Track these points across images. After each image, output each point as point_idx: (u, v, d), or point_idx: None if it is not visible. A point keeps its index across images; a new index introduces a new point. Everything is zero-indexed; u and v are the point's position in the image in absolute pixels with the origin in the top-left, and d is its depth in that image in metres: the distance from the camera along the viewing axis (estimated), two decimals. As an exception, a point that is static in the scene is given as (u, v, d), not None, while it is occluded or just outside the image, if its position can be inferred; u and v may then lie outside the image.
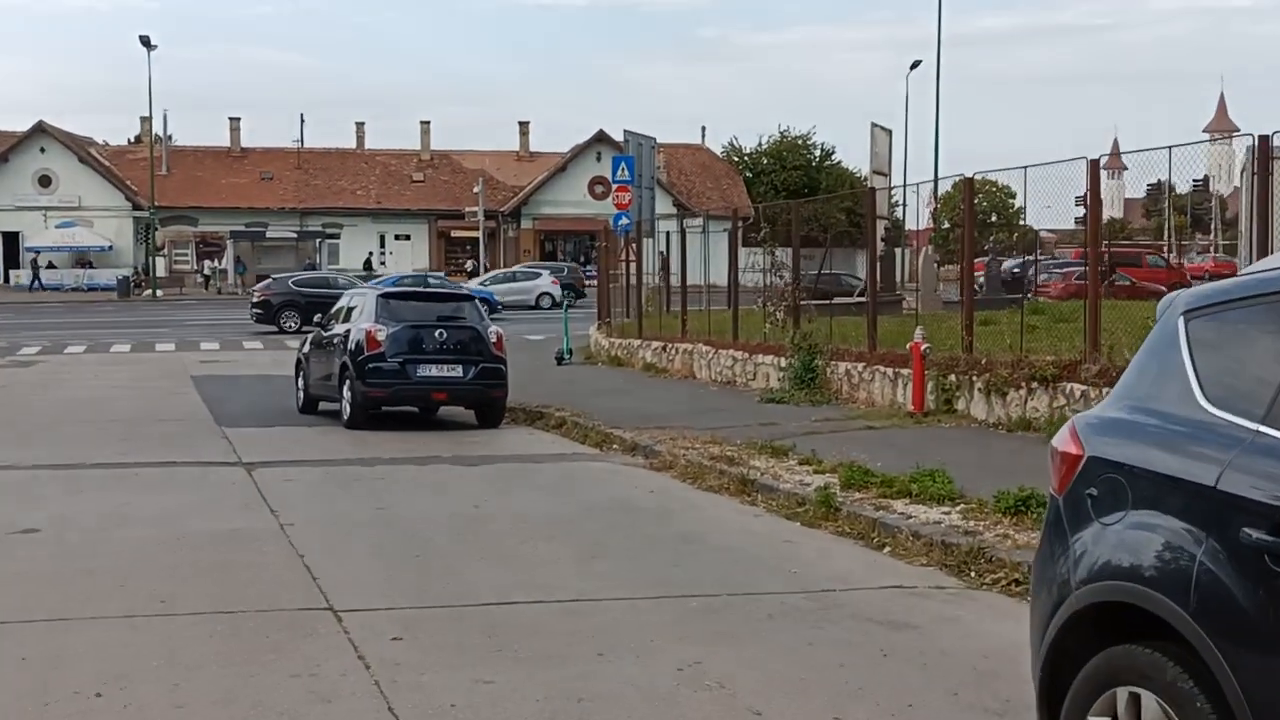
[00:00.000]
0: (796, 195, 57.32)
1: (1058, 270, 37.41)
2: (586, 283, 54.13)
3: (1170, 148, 14.36)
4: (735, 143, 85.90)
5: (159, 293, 65.36)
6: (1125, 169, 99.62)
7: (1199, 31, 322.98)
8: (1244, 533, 3.47)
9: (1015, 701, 5.89)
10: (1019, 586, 8.12)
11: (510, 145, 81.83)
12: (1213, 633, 3.51)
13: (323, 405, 19.24)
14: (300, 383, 19.97)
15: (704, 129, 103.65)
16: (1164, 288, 16.01)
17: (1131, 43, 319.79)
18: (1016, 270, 33.11)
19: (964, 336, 16.77)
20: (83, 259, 71.31)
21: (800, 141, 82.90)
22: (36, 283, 67.18)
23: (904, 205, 52.72)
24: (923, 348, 16.16)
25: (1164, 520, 3.80)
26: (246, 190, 75.06)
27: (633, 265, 28.82)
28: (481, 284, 51.27)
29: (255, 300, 43.16)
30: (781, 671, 6.55)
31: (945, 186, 38.62)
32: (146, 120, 70.39)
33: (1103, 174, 16.29)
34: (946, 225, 40.83)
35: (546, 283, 53.70)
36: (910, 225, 48.79)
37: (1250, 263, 12.81)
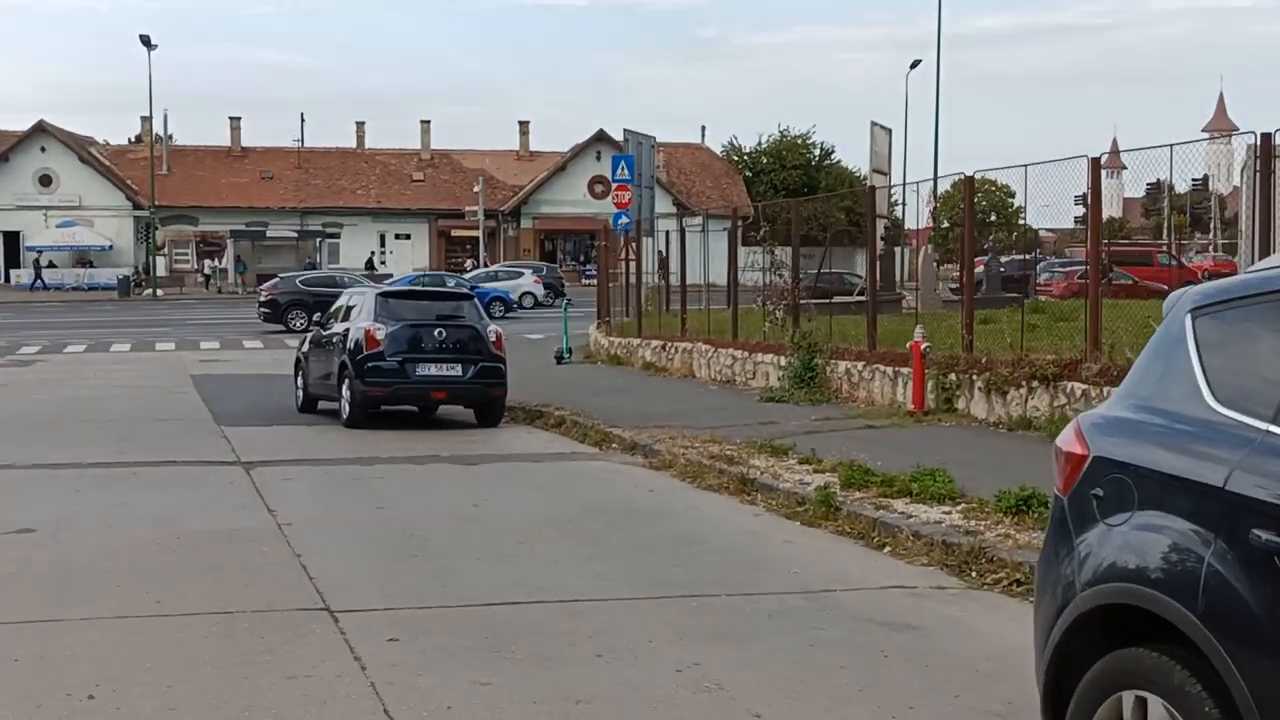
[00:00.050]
0: (796, 194, 57.28)
1: (1060, 269, 37.37)
2: (585, 282, 54.03)
3: (1171, 146, 14.32)
4: (735, 142, 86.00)
5: (159, 292, 65.33)
6: (1124, 168, 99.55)
7: (1198, 31, 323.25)
8: (1253, 534, 3.41)
9: (1018, 704, 5.83)
10: (1020, 587, 8.06)
11: (510, 145, 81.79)
12: (1221, 636, 3.45)
13: (322, 404, 19.19)
14: (299, 382, 19.92)
15: (703, 128, 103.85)
16: (1165, 287, 15.92)
17: (1131, 42, 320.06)
18: (1004, 268, 33.10)
19: (964, 335, 16.71)
20: (83, 258, 71.31)
21: (800, 141, 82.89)
22: (39, 282, 67.18)
23: (904, 204, 52.74)
24: (923, 346, 16.11)
25: (1171, 521, 3.74)
26: (247, 190, 75.03)
27: (632, 264, 28.78)
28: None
29: (263, 299, 43.06)
30: (781, 673, 6.49)
31: (945, 186, 38.57)
32: (147, 120, 70.44)
33: (1102, 173, 16.21)
34: (946, 225, 40.80)
35: (529, 282, 53.69)
36: (910, 224, 48.83)
37: (1252, 262, 12.75)
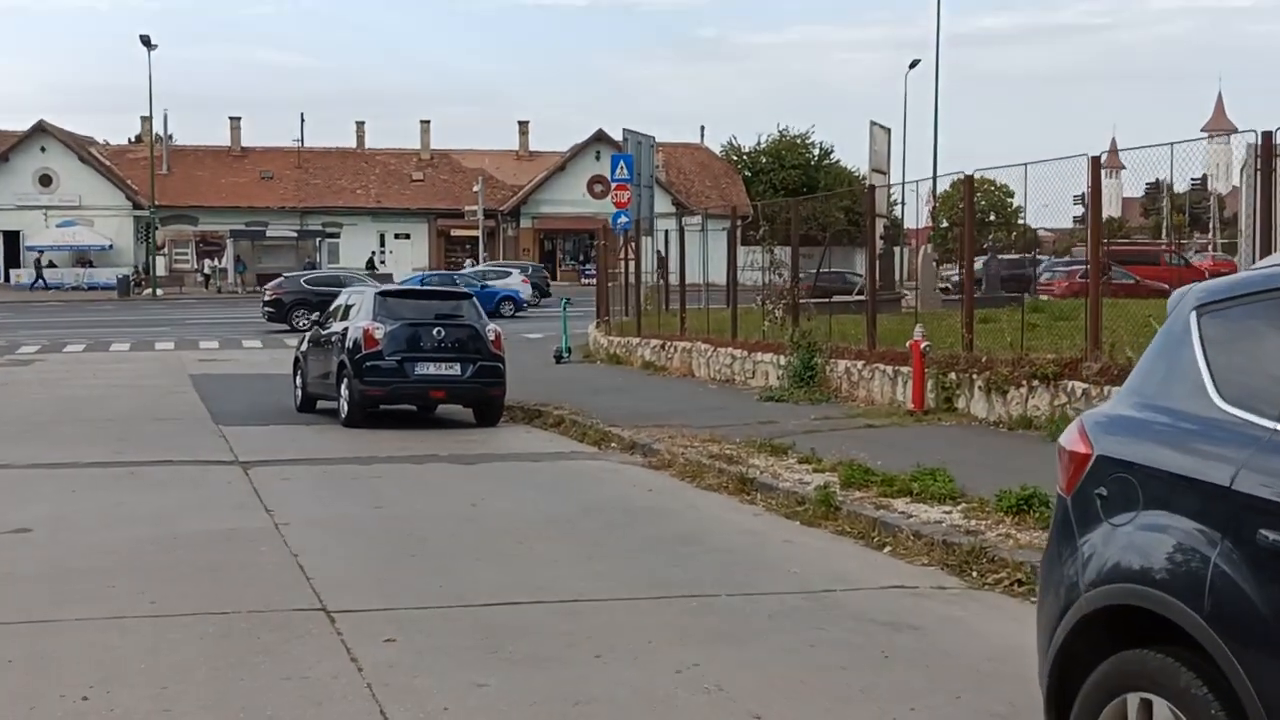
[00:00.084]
0: (795, 194, 57.19)
1: (1062, 269, 37.33)
2: (584, 282, 53.83)
3: (1171, 145, 14.27)
4: (734, 142, 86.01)
5: (159, 292, 65.26)
6: (1123, 168, 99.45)
7: (1197, 31, 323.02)
8: (1260, 534, 3.37)
9: (1020, 705, 5.78)
10: (1022, 587, 8.02)
11: (510, 145, 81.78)
12: (1228, 637, 3.40)
13: (321, 404, 19.14)
14: (298, 381, 19.87)
15: (703, 128, 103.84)
16: (1166, 286, 15.87)
17: (1130, 42, 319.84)
18: (1004, 268, 33.02)
19: (964, 334, 16.67)
20: (83, 258, 71.27)
21: (799, 140, 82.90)
22: (40, 281, 67.15)
23: (903, 204, 52.64)
24: (923, 346, 16.06)
25: (1177, 521, 3.69)
26: (246, 189, 75.00)
27: (631, 264, 28.74)
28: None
29: (267, 299, 42.99)
30: (781, 673, 6.44)
31: (944, 185, 38.54)
32: (147, 120, 70.40)
33: (1101, 173, 16.16)
34: (945, 224, 40.78)
35: (516, 282, 53.59)
36: (909, 224, 48.76)
37: (1252, 261, 12.70)
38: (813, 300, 22.65)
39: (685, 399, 19.28)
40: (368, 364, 17.39)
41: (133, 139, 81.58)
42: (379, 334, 17.48)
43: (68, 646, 6.87)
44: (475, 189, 70.84)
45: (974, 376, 15.67)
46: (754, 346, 21.30)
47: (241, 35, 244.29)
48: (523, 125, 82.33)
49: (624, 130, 32.32)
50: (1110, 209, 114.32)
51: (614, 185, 31.10)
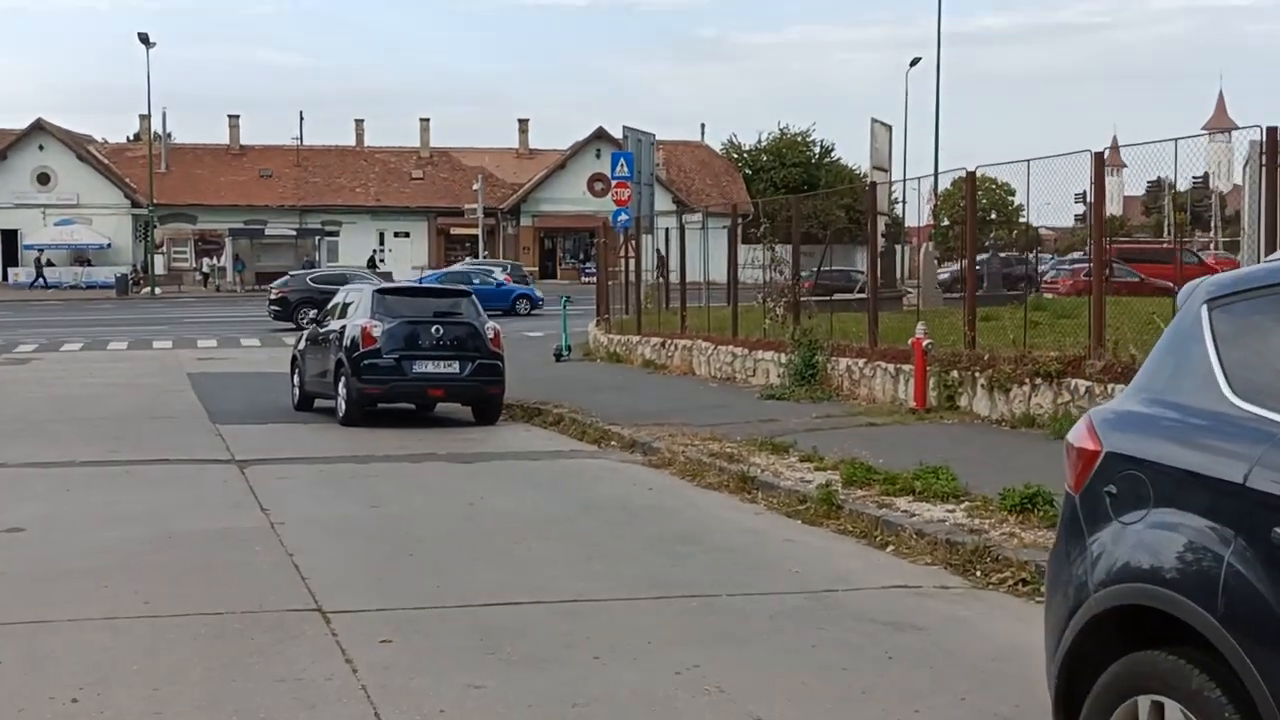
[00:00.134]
0: (796, 192, 57.13)
1: (1067, 267, 37.32)
2: (585, 280, 53.59)
3: (1176, 140, 14.18)
4: (734, 140, 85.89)
5: (157, 290, 65.15)
6: (1124, 166, 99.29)
7: (1197, 30, 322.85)
8: (1275, 533, 3.28)
9: (1026, 706, 5.69)
10: (1026, 586, 7.94)
11: (510, 143, 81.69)
12: (1243, 639, 3.31)
13: (318, 402, 19.05)
14: (295, 380, 19.78)
15: (703, 126, 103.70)
16: (1171, 284, 15.78)
17: (1130, 42, 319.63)
18: (1006, 266, 32.96)
19: (966, 332, 16.58)
20: (81, 257, 71.19)
21: (799, 139, 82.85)
22: (40, 280, 67.08)
23: (903, 202, 52.60)
24: (924, 343, 15.97)
25: (1189, 519, 3.60)
26: (245, 188, 74.93)
27: (631, 262, 28.65)
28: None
29: (273, 297, 42.87)
30: (783, 674, 6.35)
31: (945, 183, 38.49)
32: (145, 118, 70.23)
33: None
34: (946, 223, 40.72)
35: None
36: (910, 222, 48.69)
37: (1257, 258, 12.61)
38: (814, 298, 22.58)
39: (686, 397, 19.19)
40: (366, 362, 17.30)
41: (131, 137, 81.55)
42: (377, 332, 17.39)
43: (59, 648, 6.78)
44: (475, 187, 70.76)
45: (976, 374, 15.58)
46: (755, 344, 21.21)
47: (241, 35, 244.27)
48: (523, 123, 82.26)
49: (624, 128, 32.23)
50: (1111, 207, 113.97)
51: (614, 183, 31.02)
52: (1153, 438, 3.91)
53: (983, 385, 15.42)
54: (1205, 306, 4.00)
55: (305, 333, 20.41)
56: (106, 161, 74.56)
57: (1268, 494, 3.35)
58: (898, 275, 31.91)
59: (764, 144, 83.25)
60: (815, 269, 25.83)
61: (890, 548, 9.32)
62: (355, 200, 75.69)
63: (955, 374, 15.97)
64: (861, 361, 18.10)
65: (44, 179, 72.20)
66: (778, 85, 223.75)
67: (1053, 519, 8.80)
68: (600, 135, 74.66)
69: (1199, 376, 3.88)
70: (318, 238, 71.34)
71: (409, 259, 70.89)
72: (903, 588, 8.22)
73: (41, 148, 72.57)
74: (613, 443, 15.23)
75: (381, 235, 75.45)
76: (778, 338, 20.54)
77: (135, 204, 70.97)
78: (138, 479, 12.81)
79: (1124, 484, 3.89)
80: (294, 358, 20.08)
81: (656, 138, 34.85)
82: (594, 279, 39.55)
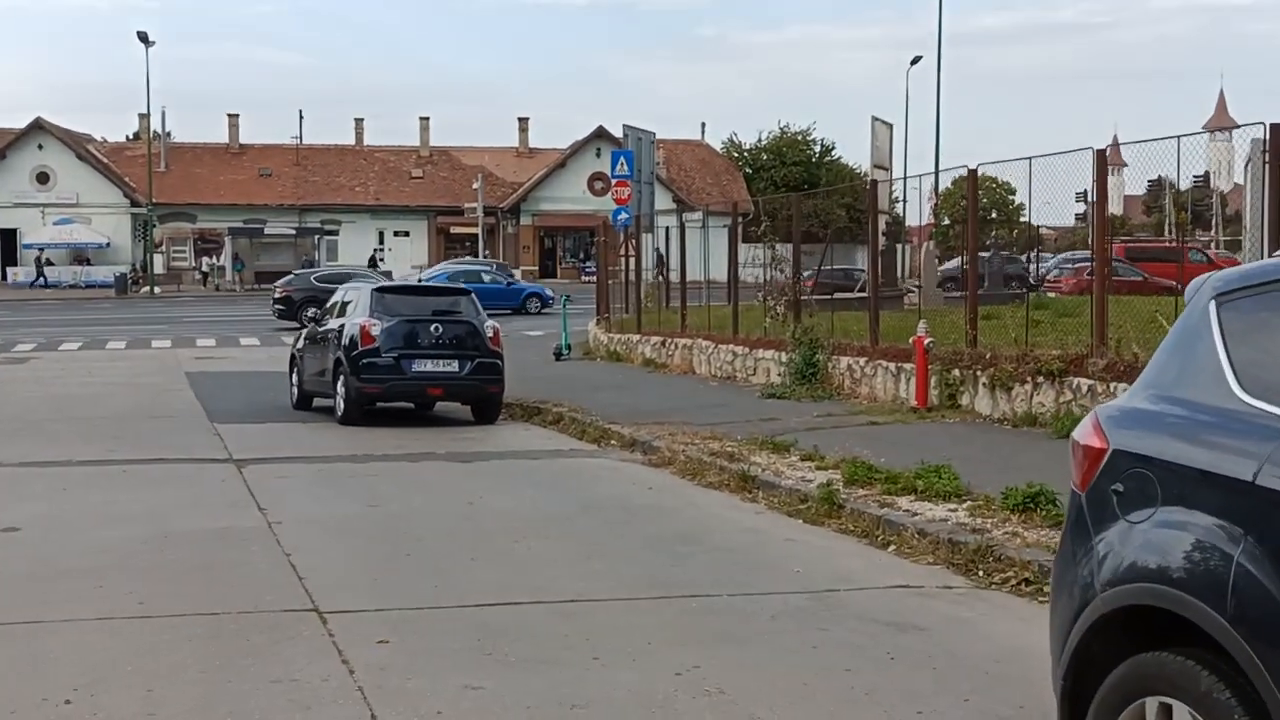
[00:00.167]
0: (796, 191, 57.07)
1: (1070, 265, 37.29)
2: (585, 279, 53.42)
3: (1179, 137, 14.12)
4: (735, 139, 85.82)
5: (156, 290, 65.05)
6: (1125, 165, 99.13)
7: (1197, 29, 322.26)
8: (1287, 532, 3.21)
9: (1030, 708, 5.63)
10: (1029, 586, 7.88)
11: (510, 142, 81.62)
12: (1253, 639, 3.25)
13: (317, 401, 18.99)
14: (294, 379, 19.72)
15: (703, 125, 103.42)
16: (1175, 283, 15.73)
17: (1130, 41, 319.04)
18: (1007, 265, 32.91)
19: (968, 331, 16.52)
20: (80, 256, 71.12)
21: (800, 137, 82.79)
22: (40, 279, 67.00)
23: (904, 201, 52.60)
24: (926, 342, 15.91)
25: (1197, 518, 3.54)
26: (245, 187, 74.86)
27: (632, 260, 28.58)
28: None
29: (277, 296, 42.75)
30: (784, 675, 6.29)
31: (946, 182, 38.43)
32: (145, 117, 70.16)
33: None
34: (947, 222, 40.66)
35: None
36: (911, 221, 48.68)
37: (1260, 255, 12.54)
38: (814, 297, 22.52)
39: (686, 396, 19.13)
40: (364, 361, 17.24)
41: (130, 136, 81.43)
42: (376, 330, 17.32)
43: (53, 649, 6.72)
44: (475, 186, 70.68)
45: (978, 373, 15.52)
46: (755, 343, 21.15)
47: (241, 34, 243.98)
48: (523, 122, 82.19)
49: (624, 126, 32.16)
50: (1112, 206, 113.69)
51: (614, 182, 30.95)
52: (1160, 435, 3.85)
53: (984, 384, 15.36)
54: (1213, 302, 3.94)
55: (304, 331, 20.35)
56: (106, 160, 74.47)
57: (1278, 492, 3.29)
58: (899, 274, 31.84)
59: (764, 143, 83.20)
60: (816, 268, 25.74)
61: (892, 547, 9.26)
62: (355, 199, 75.61)
63: (957, 373, 15.91)
64: (862, 360, 18.04)
65: (43, 178, 72.12)
66: (778, 84, 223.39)
67: (1056, 518, 8.75)
68: (600, 134, 74.58)
69: (1207, 373, 3.82)
70: (317, 237, 71.26)
71: (409, 258, 70.78)
72: (905, 588, 8.16)
73: (41, 147, 72.48)
74: (612, 442, 15.17)
75: (381, 234, 75.37)
76: (778, 336, 20.48)
77: (134, 203, 70.89)
78: (135, 478, 12.75)
79: (1131, 482, 3.83)
80: (292, 357, 20.02)
81: (656, 136, 34.79)
82: (594, 278, 39.49)
